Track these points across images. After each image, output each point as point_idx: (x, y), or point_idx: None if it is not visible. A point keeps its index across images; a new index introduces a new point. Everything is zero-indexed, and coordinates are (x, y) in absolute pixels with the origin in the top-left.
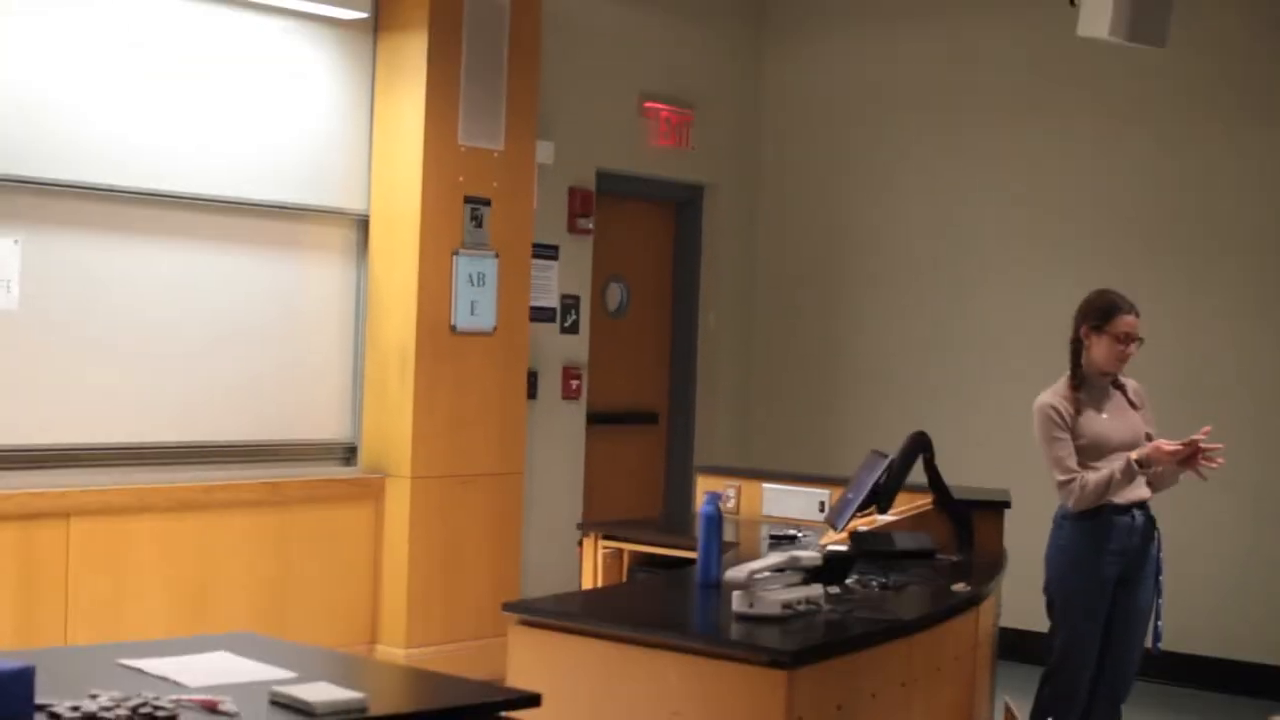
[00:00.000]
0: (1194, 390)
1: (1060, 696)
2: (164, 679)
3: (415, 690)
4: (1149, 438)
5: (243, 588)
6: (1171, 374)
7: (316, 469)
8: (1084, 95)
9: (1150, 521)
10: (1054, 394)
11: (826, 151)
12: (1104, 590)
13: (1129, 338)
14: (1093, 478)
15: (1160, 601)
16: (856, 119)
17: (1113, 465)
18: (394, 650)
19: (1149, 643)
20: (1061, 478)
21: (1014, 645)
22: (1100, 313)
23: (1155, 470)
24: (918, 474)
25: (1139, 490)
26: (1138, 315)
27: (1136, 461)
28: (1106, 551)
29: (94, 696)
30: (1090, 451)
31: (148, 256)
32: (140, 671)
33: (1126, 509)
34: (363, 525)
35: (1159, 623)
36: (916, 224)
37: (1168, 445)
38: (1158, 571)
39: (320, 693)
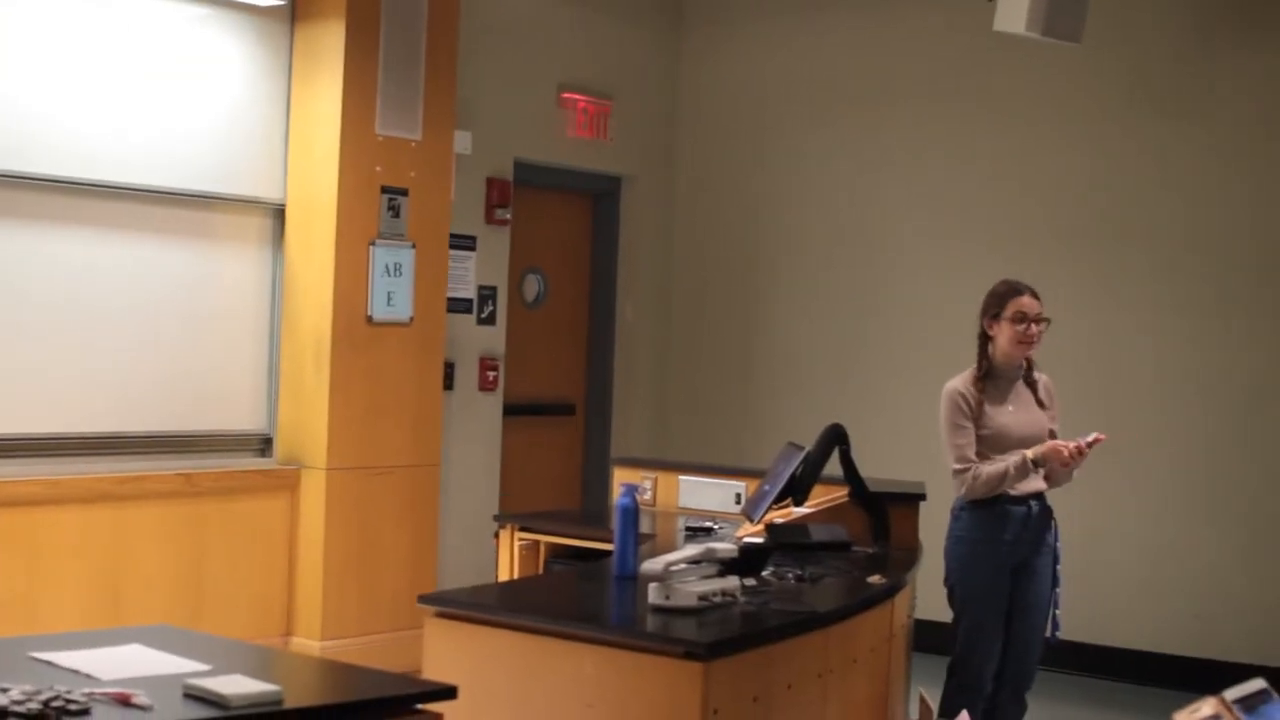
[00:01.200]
0: (1107, 385)
1: (965, 687)
2: (76, 672)
3: (330, 683)
4: (1053, 435)
5: (157, 580)
6: (1084, 369)
7: (231, 460)
8: (1000, 92)
9: (1046, 512)
10: (961, 381)
11: (743, 143)
12: (1002, 579)
13: (1027, 318)
14: (987, 469)
15: (1058, 591)
16: (773, 112)
17: (1009, 459)
18: (309, 642)
19: (1048, 632)
20: (957, 466)
21: (929, 637)
22: (997, 299)
23: (1049, 467)
24: (834, 466)
25: (1034, 482)
26: (1035, 296)
27: (1031, 460)
28: (1002, 541)
29: (4, 690)
30: (992, 442)
31: (60, 245)
32: (52, 664)
33: (1022, 500)
34: (278, 517)
35: (1056, 612)
36: (832, 216)
37: (1063, 446)
38: (1055, 561)
39: (235, 685)
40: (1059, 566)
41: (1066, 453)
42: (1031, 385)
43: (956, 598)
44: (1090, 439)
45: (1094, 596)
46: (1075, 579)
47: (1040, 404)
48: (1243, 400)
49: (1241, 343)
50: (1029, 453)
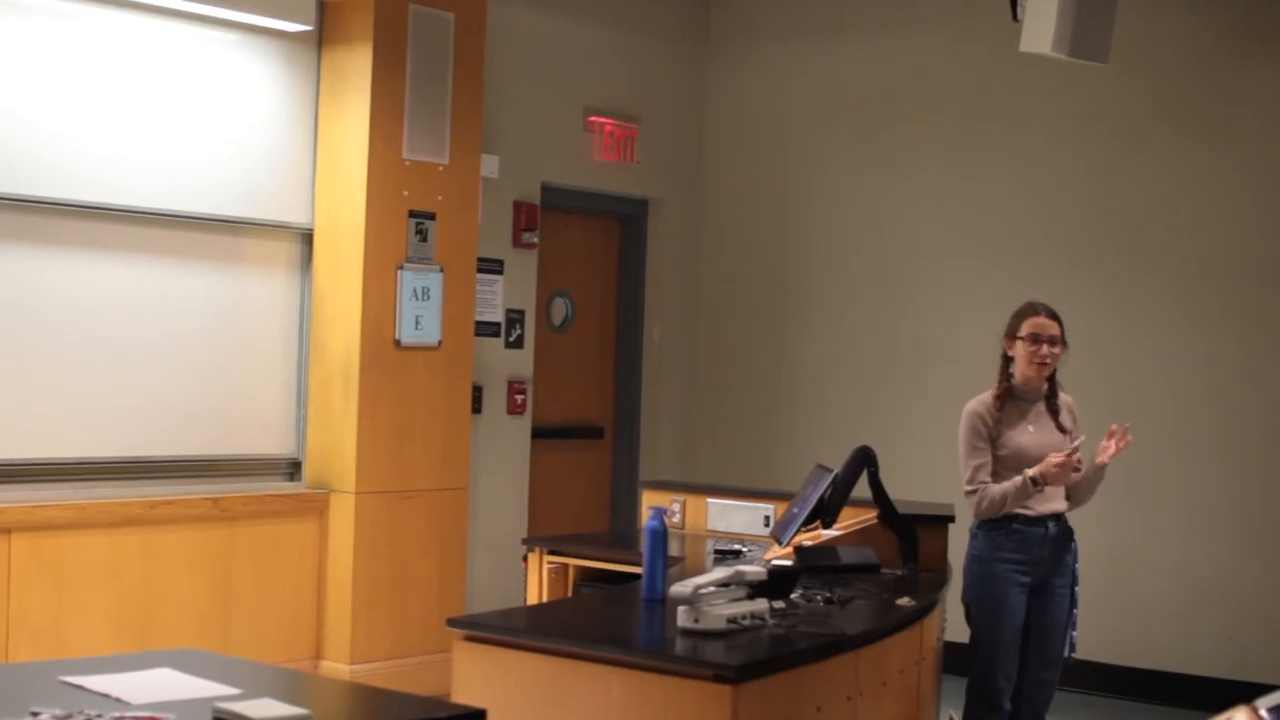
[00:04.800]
0: (1133, 403)
1: (986, 707)
2: (106, 696)
3: (360, 706)
4: None
5: (186, 604)
6: (1108, 389)
7: (260, 484)
8: (1024, 112)
9: (1066, 533)
10: (981, 402)
11: (770, 166)
12: (1017, 599)
13: (1039, 339)
14: (993, 490)
15: (1075, 612)
16: (799, 134)
17: (1014, 479)
18: (339, 666)
19: (1065, 652)
20: (967, 487)
21: (960, 659)
22: (1015, 319)
23: (1050, 484)
24: (862, 488)
25: (1054, 503)
26: (1051, 316)
27: (1031, 479)
28: (1017, 561)
29: (35, 714)
30: (1010, 463)
31: (90, 271)
32: (82, 689)
33: (1040, 520)
34: (307, 541)
35: (1073, 633)
36: (858, 238)
37: (1055, 457)
38: (1074, 583)
39: (264, 709)
40: (1077, 588)
41: (1057, 461)
42: (1054, 409)
43: (973, 616)
44: (1073, 446)
45: (1123, 617)
46: (1104, 600)
47: (1061, 428)
48: (1267, 417)
49: (1264, 359)
50: (1030, 471)
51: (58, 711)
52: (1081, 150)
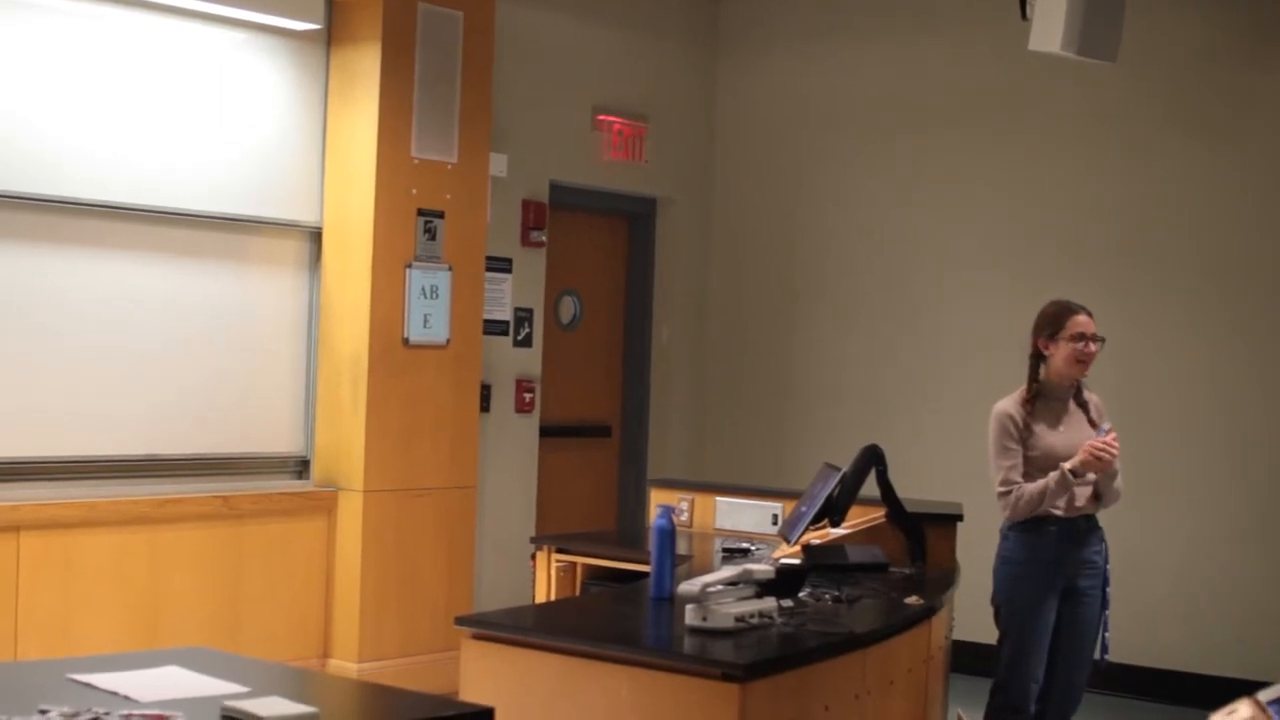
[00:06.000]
0: (1130, 407)
1: (1009, 708)
2: (114, 694)
3: (368, 704)
4: None
5: (195, 602)
6: (1108, 391)
7: (269, 483)
8: (1033, 115)
9: (1096, 533)
10: (1011, 402)
11: (779, 165)
12: (1048, 601)
13: (1085, 336)
14: (1029, 488)
15: (1107, 614)
16: (809, 133)
17: (1049, 476)
18: (347, 664)
19: (1096, 654)
20: (1000, 489)
21: (967, 658)
22: (1052, 320)
23: (1090, 478)
24: (870, 487)
25: (1083, 503)
26: (1090, 315)
27: (1071, 471)
28: (1050, 562)
29: (43, 712)
30: (1041, 463)
31: (98, 269)
32: (90, 686)
33: (1070, 521)
34: (315, 539)
35: (1106, 634)
36: (868, 237)
37: (1091, 444)
38: (1105, 584)
39: (273, 707)
40: (1109, 589)
41: (1092, 450)
42: (1083, 405)
43: (1002, 618)
44: (1107, 429)
45: (1132, 618)
46: (1116, 601)
47: (1092, 424)
48: (1273, 419)
49: (1270, 360)
50: (1066, 465)
51: (66, 709)
52: (1091, 152)
